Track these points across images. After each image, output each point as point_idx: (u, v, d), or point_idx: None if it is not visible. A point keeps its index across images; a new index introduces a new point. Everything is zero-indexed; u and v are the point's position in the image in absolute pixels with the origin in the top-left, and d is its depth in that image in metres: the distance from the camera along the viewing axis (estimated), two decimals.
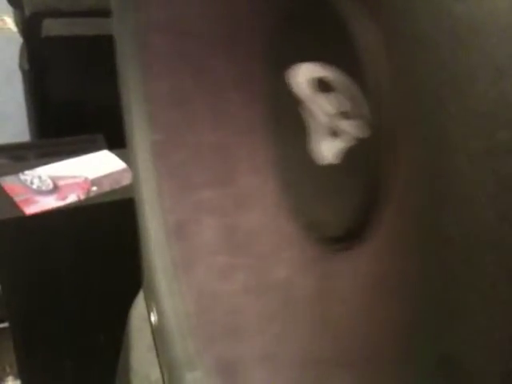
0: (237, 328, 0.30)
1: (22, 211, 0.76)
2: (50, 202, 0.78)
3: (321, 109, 0.26)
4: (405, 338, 0.17)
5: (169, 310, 0.34)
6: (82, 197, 0.81)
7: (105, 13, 0.40)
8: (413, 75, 0.15)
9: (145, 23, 0.34)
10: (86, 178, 0.84)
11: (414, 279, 0.17)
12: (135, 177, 0.37)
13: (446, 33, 0.13)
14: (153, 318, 0.38)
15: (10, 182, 0.81)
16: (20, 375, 0.87)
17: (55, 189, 0.81)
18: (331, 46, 0.26)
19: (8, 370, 1.07)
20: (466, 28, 0.13)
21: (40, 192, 0.80)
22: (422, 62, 0.14)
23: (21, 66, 1.24)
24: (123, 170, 0.86)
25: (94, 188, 0.83)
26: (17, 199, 0.78)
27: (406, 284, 0.18)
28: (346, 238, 0.26)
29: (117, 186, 0.84)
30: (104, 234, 0.82)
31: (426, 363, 0.15)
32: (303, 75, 0.28)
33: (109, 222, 0.81)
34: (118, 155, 0.90)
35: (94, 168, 0.87)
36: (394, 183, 0.21)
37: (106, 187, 0.83)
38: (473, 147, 0.13)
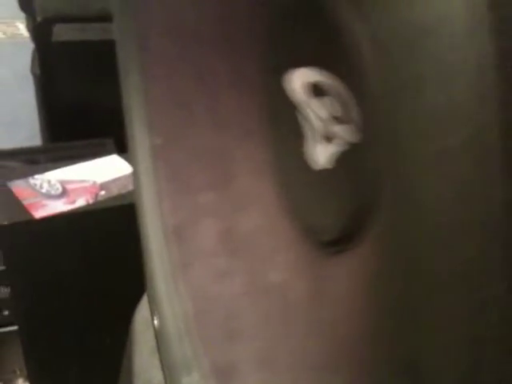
0: (233, 331, 0.30)
1: (31, 215, 0.76)
2: (58, 206, 0.79)
3: (315, 113, 0.26)
4: (382, 340, 0.17)
5: (168, 312, 0.34)
6: (91, 201, 0.81)
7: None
8: (384, 80, 0.15)
9: (144, 26, 0.34)
10: (94, 183, 0.84)
11: (399, 280, 0.17)
12: (135, 180, 0.37)
13: (397, 38, 0.13)
14: (156, 322, 0.38)
15: (19, 186, 0.82)
16: (29, 378, 0.87)
17: (64, 193, 0.82)
18: (326, 51, 0.26)
19: (18, 372, 1.07)
20: (417, 32, 0.12)
21: (49, 196, 0.81)
22: (379, 67, 0.14)
23: (32, 71, 1.25)
24: (131, 175, 0.86)
25: (103, 192, 0.83)
26: (26, 203, 0.79)
27: (390, 286, 0.17)
28: (341, 241, 0.26)
29: (125, 191, 0.84)
30: (112, 238, 0.82)
31: (397, 365, 0.15)
32: (298, 80, 0.28)
33: (117, 226, 0.81)
34: (127, 160, 0.90)
35: (103, 172, 0.87)
36: (385, 187, 0.21)
37: (115, 191, 0.84)
38: (423, 151, 0.12)
